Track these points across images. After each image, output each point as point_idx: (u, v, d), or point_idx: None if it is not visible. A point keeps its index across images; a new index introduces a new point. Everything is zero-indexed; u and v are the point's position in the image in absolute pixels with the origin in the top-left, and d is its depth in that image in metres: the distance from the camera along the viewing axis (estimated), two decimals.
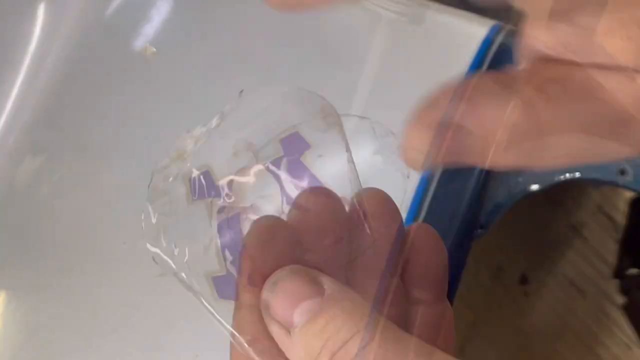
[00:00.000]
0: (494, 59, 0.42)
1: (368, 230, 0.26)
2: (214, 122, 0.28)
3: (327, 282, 0.22)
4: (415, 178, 0.41)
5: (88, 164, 0.49)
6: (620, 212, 0.78)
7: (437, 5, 0.45)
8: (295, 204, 0.26)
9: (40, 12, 0.52)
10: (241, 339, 0.24)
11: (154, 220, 0.26)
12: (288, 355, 0.22)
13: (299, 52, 0.47)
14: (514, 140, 0.19)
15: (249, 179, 0.26)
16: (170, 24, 0.52)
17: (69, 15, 0.52)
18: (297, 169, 0.27)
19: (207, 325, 0.40)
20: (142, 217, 0.26)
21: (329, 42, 0.47)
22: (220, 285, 0.25)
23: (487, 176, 0.41)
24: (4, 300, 0.44)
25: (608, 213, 0.81)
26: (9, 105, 0.51)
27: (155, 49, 0.51)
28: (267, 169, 0.27)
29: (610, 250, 0.79)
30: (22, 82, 0.51)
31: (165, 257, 0.26)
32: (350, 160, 0.28)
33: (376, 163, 0.42)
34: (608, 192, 0.81)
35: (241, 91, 0.27)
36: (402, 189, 0.41)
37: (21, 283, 0.45)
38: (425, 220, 0.39)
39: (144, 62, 0.51)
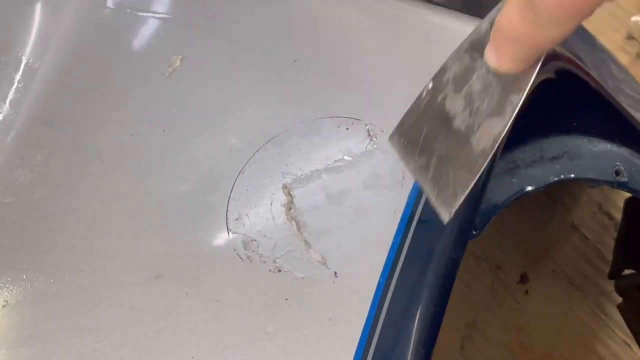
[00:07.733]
0: None
1: None
2: None
3: None
4: (410, 178, 0.41)
5: (86, 163, 0.49)
6: (620, 211, 0.78)
7: (432, 6, 0.45)
8: None
9: (37, 12, 0.52)
10: None
11: None
12: None
13: (295, 54, 0.47)
14: None
15: None
16: (166, 24, 0.52)
17: (65, 15, 0.52)
18: None
19: (203, 326, 0.40)
20: None
21: (325, 44, 0.47)
22: None
23: (483, 177, 0.41)
24: (2, 300, 0.44)
25: (608, 212, 0.81)
26: (6, 104, 0.51)
27: (151, 50, 0.52)
28: None
29: (609, 248, 0.79)
30: (19, 81, 0.52)
31: None
32: None
33: (371, 163, 0.42)
34: (608, 190, 0.80)
35: None
36: (398, 189, 0.41)
37: (20, 283, 0.45)
38: (420, 219, 0.39)
39: (141, 62, 0.51)
